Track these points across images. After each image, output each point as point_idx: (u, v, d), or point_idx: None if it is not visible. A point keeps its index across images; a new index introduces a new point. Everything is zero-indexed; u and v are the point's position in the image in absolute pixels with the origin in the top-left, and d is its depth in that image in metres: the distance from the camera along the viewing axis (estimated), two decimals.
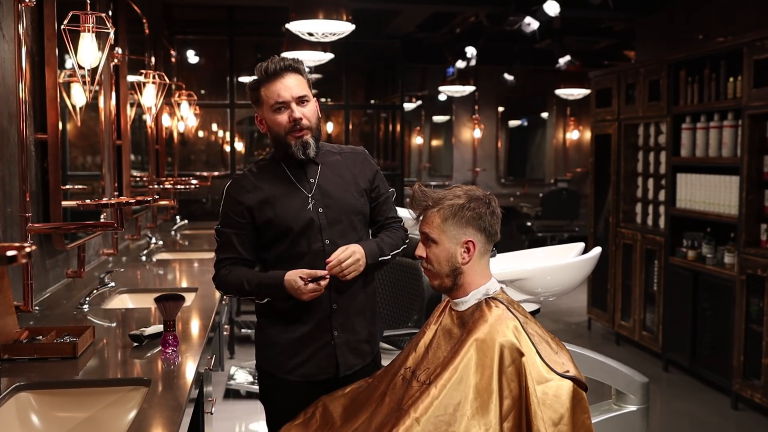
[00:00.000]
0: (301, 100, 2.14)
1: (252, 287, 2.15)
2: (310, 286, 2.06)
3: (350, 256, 2.09)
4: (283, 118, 2.13)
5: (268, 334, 2.23)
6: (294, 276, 2.07)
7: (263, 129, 2.22)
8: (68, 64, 2.73)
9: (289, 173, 2.20)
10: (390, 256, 2.26)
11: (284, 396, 2.21)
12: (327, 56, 5.83)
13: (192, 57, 8.18)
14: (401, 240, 2.33)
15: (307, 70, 2.23)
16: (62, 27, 2.43)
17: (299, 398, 2.18)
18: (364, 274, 2.19)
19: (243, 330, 5.81)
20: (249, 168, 2.27)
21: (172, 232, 5.42)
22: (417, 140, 10.79)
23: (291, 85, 2.13)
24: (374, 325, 2.32)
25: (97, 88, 2.89)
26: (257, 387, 4.42)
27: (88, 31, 2.46)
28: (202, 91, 8.34)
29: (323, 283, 2.07)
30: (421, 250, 2.02)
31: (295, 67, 2.15)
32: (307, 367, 2.19)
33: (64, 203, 2.77)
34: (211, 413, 2.58)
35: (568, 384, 1.82)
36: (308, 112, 2.15)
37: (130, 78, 4.18)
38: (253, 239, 2.21)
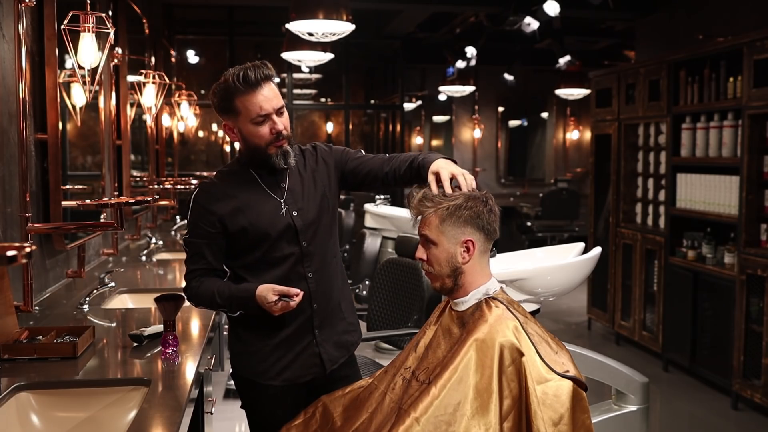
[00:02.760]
0: (279, 111, 2.08)
1: (223, 300, 2.09)
2: (281, 303, 2.02)
3: (454, 175, 1.98)
4: (264, 130, 2.06)
5: (246, 341, 2.18)
6: (265, 292, 2.03)
7: (235, 138, 2.14)
8: (68, 64, 2.73)
9: (259, 180, 2.15)
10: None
11: (269, 402, 2.18)
12: (327, 56, 5.83)
13: (192, 57, 8.19)
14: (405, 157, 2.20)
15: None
16: (62, 27, 2.43)
17: (286, 402, 2.16)
18: (335, 257, 2.20)
19: None
20: (215, 176, 2.19)
21: (172, 232, 5.42)
22: (417, 140, 10.79)
23: (271, 97, 2.06)
24: (350, 312, 2.31)
25: (97, 88, 2.89)
26: None
27: (88, 31, 2.46)
28: (202, 91, 8.34)
29: (296, 300, 2.03)
30: (420, 253, 2.01)
31: (270, 76, 2.08)
32: (291, 371, 2.16)
33: (64, 203, 2.77)
34: (211, 413, 2.58)
35: (568, 384, 1.82)
36: (286, 122, 2.11)
37: (130, 78, 4.18)
38: (223, 248, 2.14)
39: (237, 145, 2.25)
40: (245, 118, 2.06)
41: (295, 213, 2.14)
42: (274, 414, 2.14)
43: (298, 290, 2.04)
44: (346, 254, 5.57)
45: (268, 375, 2.15)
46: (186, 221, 2.17)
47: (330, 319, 2.21)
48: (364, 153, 2.27)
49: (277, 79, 2.17)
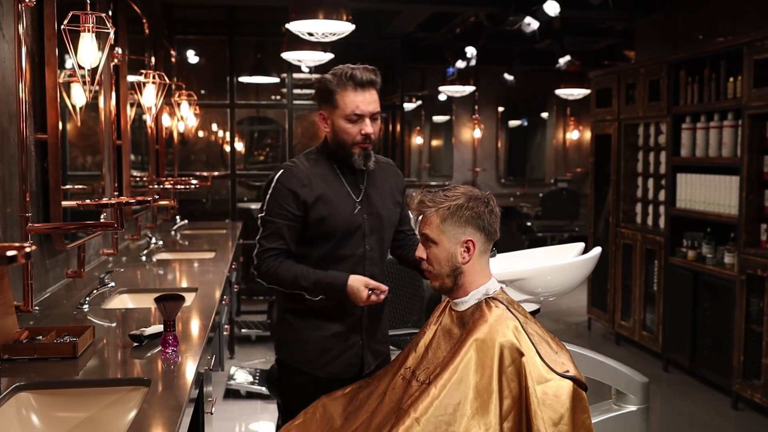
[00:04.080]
0: (373, 117, 2.21)
1: (309, 284, 2.18)
2: (373, 297, 2.14)
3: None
4: (354, 129, 2.19)
5: (299, 330, 2.28)
6: (358, 284, 2.13)
7: (325, 129, 2.26)
8: (68, 64, 2.73)
9: (341, 176, 2.26)
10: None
11: (310, 391, 2.26)
12: (327, 56, 5.82)
13: (192, 57, 8.18)
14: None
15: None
16: (62, 27, 2.43)
17: (321, 394, 2.23)
18: (384, 267, 2.35)
19: (243, 330, 5.80)
20: (299, 160, 2.28)
21: (172, 232, 5.42)
22: (417, 140, 10.79)
23: (370, 101, 2.19)
24: (386, 324, 2.44)
25: (97, 88, 2.89)
26: (257, 387, 4.45)
27: (88, 31, 2.45)
28: (202, 91, 8.34)
29: (382, 297, 2.15)
30: (420, 252, 2.02)
31: (375, 82, 2.21)
32: (334, 366, 2.27)
33: (64, 203, 2.76)
34: (211, 413, 2.58)
35: (568, 384, 1.83)
36: (377, 129, 2.24)
37: (130, 78, 4.18)
38: (298, 234, 2.24)
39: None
40: (341, 113, 2.19)
41: (366, 216, 2.25)
42: (310, 403, 2.22)
43: (386, 287, 2.16)
44: None
45: (316, 365, 2.27)
46: (264, 200, 2.25)
47: (373, 324, 2.33)
48: (409, 214, 2.41)
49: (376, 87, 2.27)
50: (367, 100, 2.18)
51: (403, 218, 2.44)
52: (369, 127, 2.19)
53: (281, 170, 2.24)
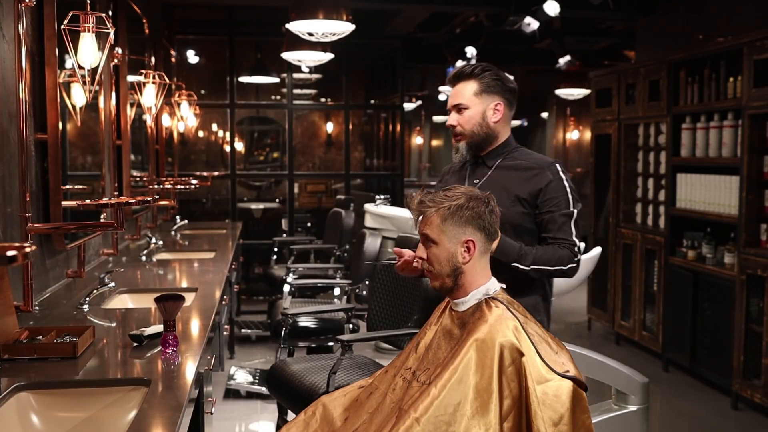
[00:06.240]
0: (457, 108, 2.36)
1: None
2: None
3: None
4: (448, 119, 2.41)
5: None
6: None
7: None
8: (68, 64, 2.73)
9: (467, 168, 2.40)
10: (529, 269, 2.24)
11: None
12: (327, 56, 5.82)
13: (192, 57, 8.18)
14: (555, 258, 2.25)
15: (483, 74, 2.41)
16: (62, 27, 2.43)
17: None
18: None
19: (243, 330, 5.80)
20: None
21: (172, 232, 5.42)
22: (417, 140, 10.80)
23: (453, 93, 2.38)
24: None
25: (97, 88, 2.89)
26: (257, 387, 4.45)
27: (88, 31, 2.45)
28: (202, 91, 8.34)
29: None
30: (421, 252, 2.02)
31: (462, 75, 2.39)
32: None
33: (64, 203, 2.76)
34: (211, 413, 2.58)
35: (568, 384, 1.83)
36: (462, 120, 2.36)
37: (130, 78, 4.18)
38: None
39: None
40: None
41: None
42: None
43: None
44: (345, 254, 5.58)
45: None
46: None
47: None
48: (554, 217, 2.31)
49: (483, 77, 2.42)
50: (451, 93, 2.39)
51: (546, 225, 2.31)
52: (449, 119, 2.39)
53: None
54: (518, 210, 2.30)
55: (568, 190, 2.30)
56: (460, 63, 7.71)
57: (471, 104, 2.35)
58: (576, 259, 2.26)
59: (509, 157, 2.39)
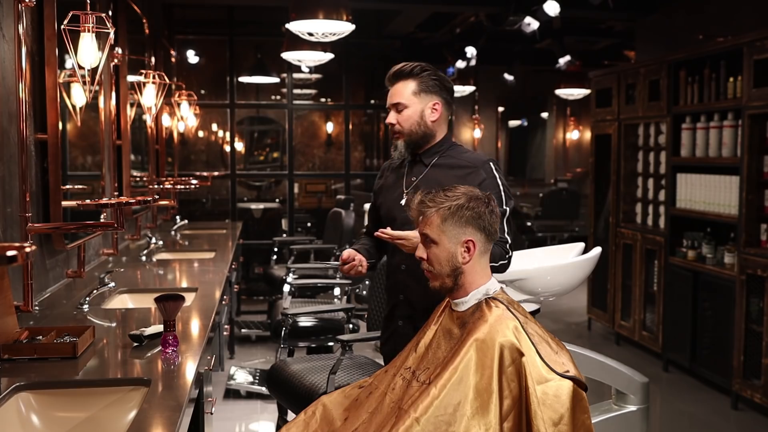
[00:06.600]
0: (396, 107, 2.37)
1: None
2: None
3: (403, 236, 2.24)
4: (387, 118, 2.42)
5: None
6: None
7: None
8: (68, 64, 2.73)
9: (405, 167, 2.44)
10: None
11: None
12: (327, 56, 5.82)
13: (192, 57, 8.18)
14: (496, 255, 2.24)
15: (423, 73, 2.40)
16: (62, 27, 2.43)
17: None
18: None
19: (243, 330, 5.80)
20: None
21: (172, 232, 5.42)
22: None
23: (391, 93, 2.38)
24: None
25: (97, 88, 2.89)
26: (257, 387, 4.45)
27: (88, 31, 2.45)
28: (202, 91, 8.34)
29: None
30: (421, 251, 2.02)
31: (401, 75, 2.39)
32: None
33: (64, 203, 2.76)
34: (211, 413, 2.58)
35: (568, 384, 1.83)
36: (401, 119, 2.38)
37: (130, 78, 4.18)
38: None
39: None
40: None
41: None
42: None
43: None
44: None
45: None
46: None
47: None
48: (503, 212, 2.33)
49: (423, 77, 2.42)
50: (390, 93, 2.39)
51: None
52: (389, 117, 2.40)
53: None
54: None
55: (501, 188, 2.33)
56: (460, 63, 7.72)
57: (410, 103, 2.37)
58: (508, 256, 2.30)
59: (445, 155, 2.41)
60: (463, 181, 2.26)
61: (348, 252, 2.38)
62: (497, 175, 2.34)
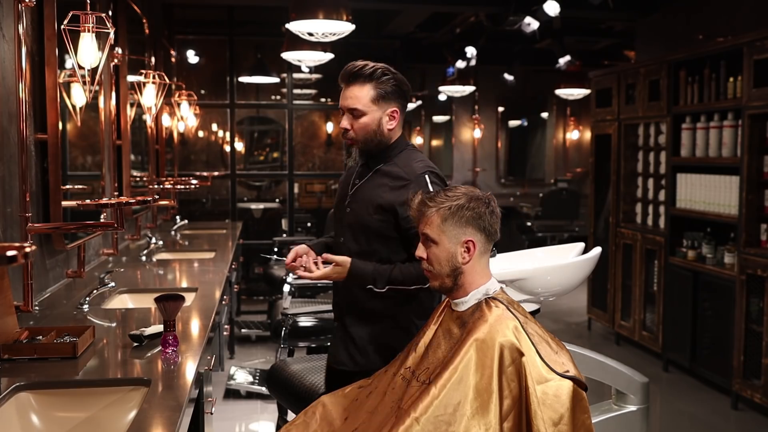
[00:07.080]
0: (350, 112, 2.25)
1: None
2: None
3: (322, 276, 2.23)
4: (341, 122, 2.29)
5: None
6: None
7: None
8: (68, 64, 2.73)
9: (357, 169, 2.38)
10: (385, 290, 2.22)
11: None
12: (327, 56, 5.82)
13: (192, 57, 8.18)
14: (413, 277, 2.21)
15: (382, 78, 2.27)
16: (62, 27, 2.43)
17: None
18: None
19: (243, 330, 5.80)
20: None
21: (172, 232, 5.42)
22: (417, 140, 10.78)
23: (346, 96, 2.25)
24: None
25: (97, 88, 2.89)
26: (257, 387, 4.45)
27: (88, 31, 2.45)
28: (202, 91, 8.33)
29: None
30: (421, 251, 2.02)
31: (357, 77, 2.25)
32: None
33: (64, 203, 2.76)
34: (211, 413, 2.58)
35: (568, 384, 1.83)
36: (356, 124, 2.25)
37: (130, 78, 4.18)
38: None
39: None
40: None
41: (348, 210, 2.34)
42: None
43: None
44: None
45: None
46: None
47: None
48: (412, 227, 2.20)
49: (381, 82, 2.28)
50: (344, 96, 2.26)
51: (410, 240, 2.23)
52: (342, 121, 2.27)
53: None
54: (378, 218, 2.26)
55: None
56: (460, 63, 7.72)
57: (368, 110, 2.23)
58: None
59: (391, 162, 2.29)
60: (392, 194, 2.24)
61: (297, 249, 2.29)
62: (431, 189, 2.20)
